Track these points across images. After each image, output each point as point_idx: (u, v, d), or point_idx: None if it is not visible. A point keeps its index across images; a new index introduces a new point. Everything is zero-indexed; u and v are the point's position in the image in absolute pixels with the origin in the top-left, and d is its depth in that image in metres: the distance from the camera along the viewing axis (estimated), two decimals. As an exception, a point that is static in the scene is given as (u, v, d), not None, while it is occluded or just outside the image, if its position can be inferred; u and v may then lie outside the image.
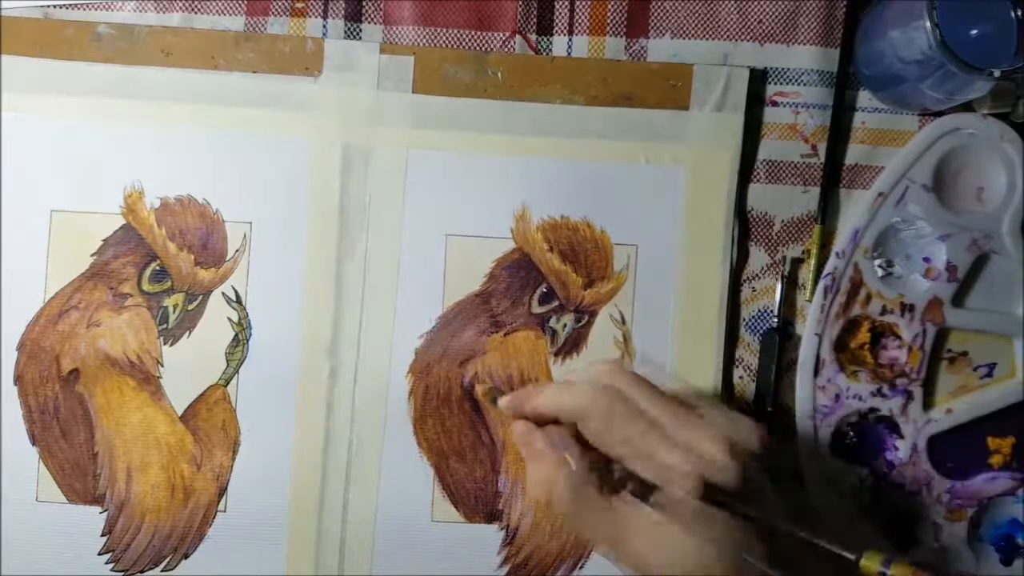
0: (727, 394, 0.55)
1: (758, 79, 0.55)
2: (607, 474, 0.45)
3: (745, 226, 0.55)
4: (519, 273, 0.55)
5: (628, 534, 0.43)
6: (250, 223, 0.54)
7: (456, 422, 0.54)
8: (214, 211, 0.54)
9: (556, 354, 0.55)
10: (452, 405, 0.54)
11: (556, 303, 0.55)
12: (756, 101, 0.55)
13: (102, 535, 0.53)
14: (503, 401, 0.48)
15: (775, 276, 0.55)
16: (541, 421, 0.46)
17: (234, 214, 0.54)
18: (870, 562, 0.38)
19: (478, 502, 0.55)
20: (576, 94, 0.54)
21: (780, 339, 0.54)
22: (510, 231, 0.55)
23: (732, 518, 0.42)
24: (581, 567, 0.54)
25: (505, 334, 0.55)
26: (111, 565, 0.53)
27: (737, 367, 0.55)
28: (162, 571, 0.53)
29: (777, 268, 0.55)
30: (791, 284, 0.55)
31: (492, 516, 0.55)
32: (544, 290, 0.55)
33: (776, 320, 0.55)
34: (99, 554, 0.53)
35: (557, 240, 0.55)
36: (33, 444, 0.53)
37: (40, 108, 0.54)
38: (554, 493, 0.44)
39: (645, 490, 0.43)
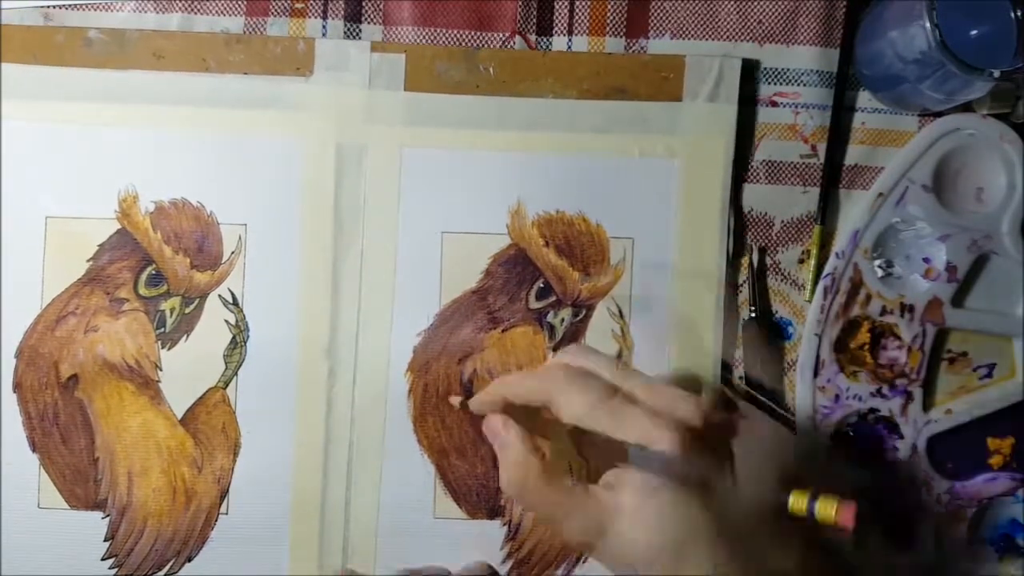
0: (727, 384, 0.55)
1: (751, 72, 0.54)
2: (582, 463, 0.46)
3: (741, 220, 0.55)
4: (515, 269, 0.55)
5: (608, 520, 0.43)
6: (245, 225, 0.54)
7: (456, 419, 0.54)
8: (209, 213, 0.54)
9: (554, 349, 0.55)
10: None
11: (553, 298, 0.55)
12: (750, 100, 0.55)
13: (104, 540, 0.54)
14: (472, 402, 0.49)
15: (774, 276, 0.55)
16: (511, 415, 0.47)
17: (229, 216, 0.54)
18: (798, 499, 0.43)
19: (480, 498, 0.55)
20: (568, 88, 0.54)
21: (760, 328, 0.54)
22: (506, 227, 0.55)
23: (712, 474, 0.43)
24: (584, 561, 0.54)
25: (503, 330, 0.55)
26: (114, 570, 0.53)
27: (737, 367, 0.55)
28: (165, 575, 0.53)
29: (777, 268, 0.55)
30: (791, 284, 0.55)
31: (494, 512, 0.55)
32: (541, 285, 0.55)
33: (753, 310, 0.54)
34: (102, 559, 0.54)
35: (553, 235, 0.55)
36: (33, 451, 0.54)
37: (32, 114, 0.54)
38: (529, 482, 0.44)
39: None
